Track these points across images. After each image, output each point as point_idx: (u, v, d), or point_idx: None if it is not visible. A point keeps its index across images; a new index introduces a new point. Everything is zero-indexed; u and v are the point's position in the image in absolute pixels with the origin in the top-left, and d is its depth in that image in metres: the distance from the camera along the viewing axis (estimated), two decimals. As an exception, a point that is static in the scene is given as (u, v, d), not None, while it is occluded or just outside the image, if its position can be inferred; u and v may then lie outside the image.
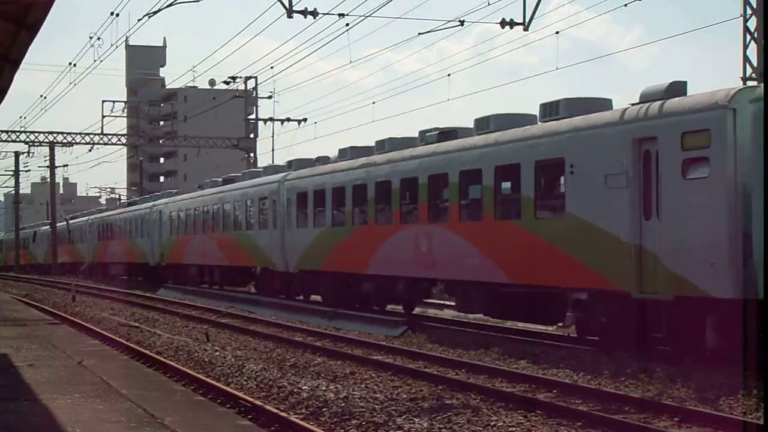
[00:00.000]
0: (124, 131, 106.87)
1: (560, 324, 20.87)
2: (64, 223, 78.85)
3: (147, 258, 52.76)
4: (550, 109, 20.33)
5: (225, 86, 60.66)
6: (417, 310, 29.14)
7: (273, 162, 52.10)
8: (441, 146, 23.93)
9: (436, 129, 25.02)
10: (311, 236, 30.90)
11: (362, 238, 27.47)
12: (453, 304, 25.65)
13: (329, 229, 29.73)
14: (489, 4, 27.32)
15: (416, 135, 26.29)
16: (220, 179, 44.31)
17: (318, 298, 32.23)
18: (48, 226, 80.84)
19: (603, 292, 18.11)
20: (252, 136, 63.38)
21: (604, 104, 19.84)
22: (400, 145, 26.53)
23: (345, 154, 30.06)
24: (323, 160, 32.08)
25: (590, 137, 18.45)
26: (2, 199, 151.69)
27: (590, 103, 19.82)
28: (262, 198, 35.42)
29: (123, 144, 71.80)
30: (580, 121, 19.04)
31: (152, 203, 53.34)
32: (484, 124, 22.58)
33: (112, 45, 53.32)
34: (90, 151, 72.43)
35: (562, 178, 19.66)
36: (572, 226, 18.89)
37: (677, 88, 17.27)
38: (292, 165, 34.78)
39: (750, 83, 24.51)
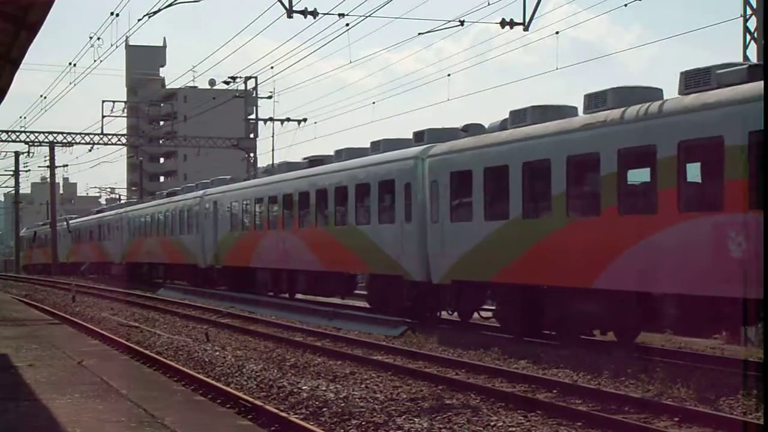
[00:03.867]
0: (124, 131, 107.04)
1: None
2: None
3: (196, 259, 44.03)
4: None
5: (225, 86, 60.63)
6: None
7: (273, 162, 50.27)
8: None
9: (728, 65, 16.91)
10: (480, 233, 22.39)
11: (586, 235, 19.17)
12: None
13: (517, 223, 21.21)
14: (489, 4, 27.28)
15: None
16: (304, 160, 35.25)
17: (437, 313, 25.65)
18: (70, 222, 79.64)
19: None
20: (252, 136, 63.47)
21: None
22: (630, 98, 18.54)
23: (522, 117, 21.91)
24: (475, 128, 24.46)
25: None
26: (2, 199, 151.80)
27: None
28: (385, 181, 26.98)
29: (123, 144, 71.90)
30: None
31: (203, 191, 44.07)
32: None
33: (112, 45, 53.38)
34: (90, 151, 72.53)
35: None
36: None
37: None
38: (423, 137, 26.20)
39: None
